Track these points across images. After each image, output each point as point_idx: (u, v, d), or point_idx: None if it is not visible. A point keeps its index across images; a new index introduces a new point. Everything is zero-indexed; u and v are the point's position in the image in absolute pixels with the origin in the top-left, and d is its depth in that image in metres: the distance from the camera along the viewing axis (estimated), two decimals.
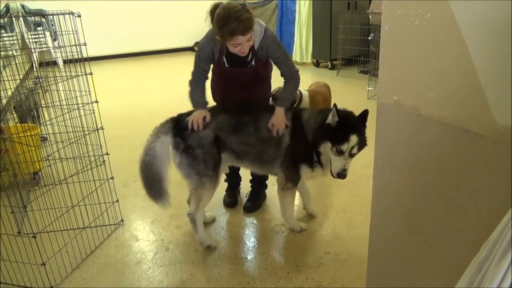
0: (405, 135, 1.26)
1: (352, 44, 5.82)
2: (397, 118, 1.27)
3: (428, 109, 1.17)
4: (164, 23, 8.31)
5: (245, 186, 2.78)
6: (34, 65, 4.36)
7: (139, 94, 5.64)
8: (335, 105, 2.01)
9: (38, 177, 2.97)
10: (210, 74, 2.35)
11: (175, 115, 2.27)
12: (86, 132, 2.51)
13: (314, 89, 3.23)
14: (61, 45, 2.63)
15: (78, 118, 2.62)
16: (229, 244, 2.33)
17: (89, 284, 2.02)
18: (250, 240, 2.37)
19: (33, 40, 6.02)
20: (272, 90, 2.51)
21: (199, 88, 2.26)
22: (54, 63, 3.62)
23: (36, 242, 1.91)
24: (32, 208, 2.42)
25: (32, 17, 6.04)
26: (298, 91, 2.99)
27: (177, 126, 2.19)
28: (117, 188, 2.50)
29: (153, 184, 2.13)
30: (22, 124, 3.11)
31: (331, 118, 2.00)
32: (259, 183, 2.68)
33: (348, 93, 5.27)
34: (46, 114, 2.93)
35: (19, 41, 4.65)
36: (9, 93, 3.00)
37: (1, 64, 3.23)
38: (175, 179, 2.29)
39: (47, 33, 6.17)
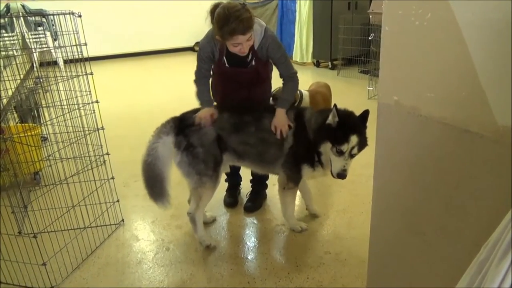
0: (406, 135, 1.26)
1: (352, 44, 5.81)
2: (398, 118, 1.27)
3: (428, 109, 1.17)
4: (164, 23, 8.31)
5: (246, 186, 2.78)
6: (34, 65, 4.37)
7: (139, 94, 5.64)
8: (335, 105, 2.01)
9: (39, 177, 2.97)
10: None
11: (175, 115, 2.27)
12: (87, 132, 2.51)
13: (315, 89, 3.23)
14: (62, 45, 2.63)
15: (79, 118, 2.62)
16: (229, 244, 2.33)
17: (89, 284, 2.02)
18: (250, 240, 2.37)
19: (34, 40, 6.02)
20: (272, 90, 2.52)
21: (204, 87, 2.29)
22: (55, 63, 3.62)
23: (36, 242, 1.91)
24: (33, 208, 2.42)
25: (33, 17, 6.05)
26: (298, 91, 3.00)
27: (180, 124, 2.19)
28: (117, 188, 2.50)
29: (155, 185, 2.14)
30: (23, 124, 3.11)
31: (331, 118, 2.00)
32: (259, 183, 2.69)
33: (348, 93, 5.27)
34: (46, 114, 2.93)
35: (20, 41, 4.65)
36: (10, 93, 3.00)
37: (2, 64, 3.24)
38: (175, 178, 2.30)
39: (48, 33, 6.18)
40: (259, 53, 2.19)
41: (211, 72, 2.34)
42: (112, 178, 2.42)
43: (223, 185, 2.64)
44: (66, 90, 2.76)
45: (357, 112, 2.07)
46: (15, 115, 3.30)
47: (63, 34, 2.65)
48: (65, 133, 2.87)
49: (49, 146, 3.04)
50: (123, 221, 2.52)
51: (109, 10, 7.71)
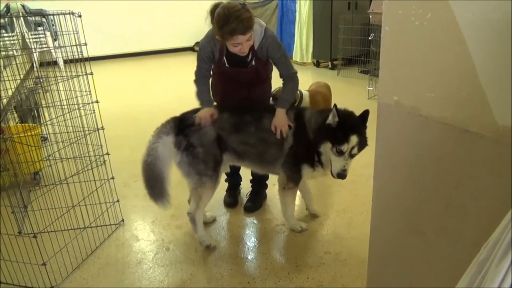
0: (406, 135, 1.26)
1: (352, 44, 5.81)
2: (398, 118, 1.27)
3: (428, 109, 1.17)
4: (164, 23, 8.31)
5: (246, 186, 2.78)
6: (34, 65, 4.37)
7: (139, 94, 5.64)
8: (335, 105, 2.01)
9: (39, 177, 2.98)
10: None
11: (175, 115, 2.27)
12: (87, 132, 2.51)
13: (315, 89, 3.23)
14: (62, 45, 2.63)
15: (79, 118, 2.62)
16: (229, 244, 2.33)
17: (89, 284, 2.02)
18: (250, 240, 2.37)
19: (34, 40, 6.02)
20: (272, 90, 2.52)
21: (204, 87, 2.29)
22: (55, 63, 3.62)
23: (36, 242, 1.91)
24: (33, 208, 2.42)
25: (33, 17, 6.05)
26: (298, 91, 3.00)
27: (180, 124, 2.19)
28: (117, 188, 2.50)
29: (155, 185, 2.14)
30: (23, 124, 3.11)
31: (331, 119, 2.00)
32: (259, 183, 2.69)
33: (348, 93, 5.27)
34: (46, 114, 2.93)
35: (20, 41, 4.65)
36: (10, 93, 3.00)
37: (2, 64, 3.24)
38: (176, 178, 2.30)
39: (48, 33, 6.18)
40: (259, 53, 2.19)
41: (211, 72, 2.34)
42: (112, 178, 2.42)
43: (223, 185, 2.64)
44: (66, 90, 2.76)
45: (357, 112, 2.07)
46: (15, 115, 3.30)
47: (63, 34, 2.65)
48: (65, 133, 2.87)
49: (49, 146, 3.05)
50: (123, 221, 2.52)
51: (109, 10, 7.71)
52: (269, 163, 2.26)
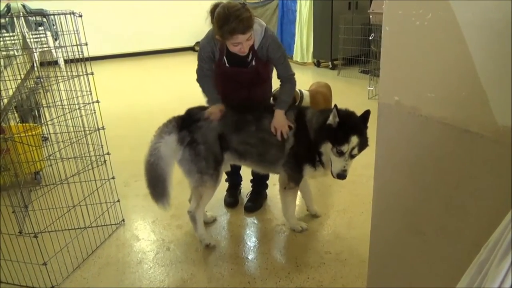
0: (406, 135, 1.26)
1: (353, 44, 5.81)
2: (398, 118, 1.27)
3: (428, 109, 1.17)
4: (164, 23, 8.31)
5: (246, 186, 2.78)
6: (35, 65, 4.37)
7: (139, 94, 5.64)
8: (335, 105, 2.01)
9: (39, 177, 2.98)
10: None
11: (175, 114, 2.27)
12: (87, 132, 2.51)
13: (315, 89, 3.23)
14: (62, 45, 2.63)
15: (79, 118, 2.63)
16: (230, 244, 2.33)
17: (90, 284, 2.02)
18: (251, 240, 2.37)
19: (34, 40, 6.03)
20: (273, 90, 2.51)
21: (210, 85, 2.31)
22: (55, 63, 3.62)
23: (37, 242, 1.91)
24: (33, 208, 2.42)
25: (33, 17, 6.05)
26: (299, 91, 3.00)
27: (186, 120, 2.20)
28: (118, 188, 2.50)
29: (157, 185, 2.14)
30: (23, 124, 3.11)
31: (331, 119, 2.00)
32: (260, 183, 2.69)
33: (349, 93, 5.27)
34: (47, 114, 2.93)
35: (20, 41, 4.66)
36: (10, 92, 3.00)
37: (2, 64, 3.24)
38: (176, 178, 2.29)
39: (48, 33, 6.18)
40: (259, 53, 2.19)
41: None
42: (113, 178, 2.43)
43: (223, 185, 2.64)
44: (66, 90, 2.76)
45: (358, 112, 2.07)
46: (16, 115, 3.30)
47: (63, 34, 2.65)
48: (66, 133, 2.87)
49: (50, 146, 3.05)
50: (124, 221, 2.52)
51: (109, 10, 7.71)
52: (270, 163, 2.26)
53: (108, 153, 2.42)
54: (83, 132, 2.55)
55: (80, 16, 2.32)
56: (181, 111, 2.28)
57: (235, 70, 2.25)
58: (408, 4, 1.15)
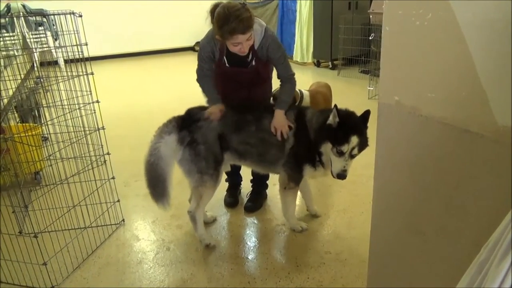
0: (406, 135, 1.26)
1: (353, 44, 5.81)
2: (398, 118, 1.27)
3: (428, 109, 1.17)
4: (164, 23, 8.31)
5: (246, 186, 2.78)
6: (35, 65, 4.37)
7: (139, 94, 5.64)
8: (335, 105, 2.01)
9: (39, 177, 2.98)
10: None
11: (176, 114, 2.27)
12: (87, 132, 2.51)
13: (315, 89, 3.23)
14: (62, 45, 2.63)
15: (79, 118, 2.63)
16: (230, 244, 2.33)
17: (90, 284, 2.02)
18: (251, 240, 2.37)
19: (34, 40, 6.03)
20: (273, 90, 2.51)
21: (210, 85, 2.31)
22: (55, 62, 3.62)
23: (37, 242, 1.91)
24: (33, 208, 2.42)
25: (33, 17, 6.05)
26: (299, 91, 3.00)
27: (186, 120, 2.20)
28: (118, 188, 2.50)
29: (157, 185, 2.14)
30: (23, 124, 3.11)
31: (332, 119, 2.00)
32: (260, 183, 2.69)
33: (349, 93, 5.27)
34: (47, 114, 2.93)
35: (20, 41, 4.66)
36: (10, 92, 3.00)
37: (2, 64, 3.24)
38: (176, 178, 2.29)
39: (48, 33, 6.18)
40: (259, 53, 2.19)
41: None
42: (113, 178, 2.43)
43: (223, 185, 2.64)
44: (66, 90, 2.76)
45: (358, 112, 2.07)
46: (16, 115, 3.30)
47: (63, 34, 2.65)
48: (66, 133, 2.87)
49: (50, 146, 3.05)
50: (124, 221, 2.52)
51: (109, 10, 7.71)
52: (270, 163, 2.26)
53: (108, 153, 2.42)
54: (83, 132, 2.55)
55: (80, 16, 2.32)
56: (181, 111, 2.28)
57: (235, 70, 2.25)
58: (408, 4, 1.15)
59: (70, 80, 2.59)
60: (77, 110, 2.61)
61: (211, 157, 2.18)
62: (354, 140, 1.97)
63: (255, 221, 2.54)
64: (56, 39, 5.80)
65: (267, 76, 2.35)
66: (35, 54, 4.59)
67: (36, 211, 2.33)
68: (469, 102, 1.05)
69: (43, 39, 6.20)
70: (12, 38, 4.78)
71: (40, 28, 6.26)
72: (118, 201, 2.50)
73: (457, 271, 0.89)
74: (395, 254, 1.43)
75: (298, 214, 2.54)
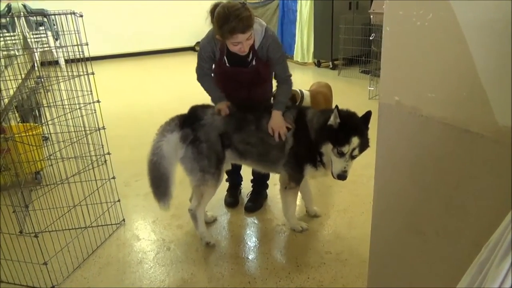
0: (406, 135, 1.26)
1: (353, 44, 5.81)
2: (398, 118, 1.27)
3: (429, 109, 1.17)
4: (164, 23, 8.31)
5: (246, 186, 2.78)
6: (35, 65, 4.37)
7: (139, 94, 5.65)
8: (337, 106, 2.01)
9: (40, 176, 2.98)
10: None
11: (176, 114, 2.27)
12: (88, 132, 2.51)
13: (316, 89, 3.23)
14: (63, 45, 2.64)
15: (80, 117, 2.63)
16: (230, 243, 2.33)
17: (90, 284, 2.02)
18: (251, 240, 2.37)
19: (35, 39, 6.03)
20: (273, 90, 2.51)
21: (212, 84, 2.31)
22: (56, 62, 3.62)
23: (37, 242, 1.91)
24: (34, 208, 2.42)
25: (34, 17, 6.05)
26: (299, 91, 3.00)
27: (189, 118, 2.21)
28: (118, 188, 2.50)
29: (160, 184, 2.14)
30: (24, 124, 3.11)
31: (332, 119, 2.00)
32: (260, 183, 2.69)
33: (349, 93, 5.27)
34: (47, 113, 2.93)
35: (21, 40, 4.66)
36: (11, 92, 3.00)
37: (3, 64, 3.24)
38: (176, 177, 2.29)
39: (49, 33, 6.19)
40: (259, 53, 2.19)
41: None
42: (113, 177, 2.43)
43: (223, 185, 2.64)
44: (67, 90, 2.76)
45: (358, 112, 2.07)
46: (17, 114, 3.30)
47: (64, 34, 2.65)
48: (66, 133, 2.87)
49: (50, 145, 3.04)
50: (124, 221, 2.53)
51: (109, 10, 7.72)
52: (271, 162, 2.27)
53: (108, 153, 2.42)
54: (83, 132, 2.55)
55: (81, 16, 2.32)
56: (181, 111, 2.28)
57: (236, 70, 2.25)
58: (409, 5, 1.15)
59: (71, 80, 2.59)
60: (78, 110, 2.61)
61: (213, 155, 2.18)
62: (355, 141, 1.97)
63: (256, 221, 2.54)
64: (56, 39, 5.81)
65: (268, 76, 2.35)
66: (35, 54, 4.60)
67: (37, 211, 2.33)
68: (469, 102, 1.05)
69: (43, 39, 6.20)
70: (12, 38, 4.78)
71: (40, 28, 6.26)
72: (119, 201, 2.50)
73: (457, 271, 0.89)
74: (395, 254, 1.43)
75: (298, 214, 2.54)
